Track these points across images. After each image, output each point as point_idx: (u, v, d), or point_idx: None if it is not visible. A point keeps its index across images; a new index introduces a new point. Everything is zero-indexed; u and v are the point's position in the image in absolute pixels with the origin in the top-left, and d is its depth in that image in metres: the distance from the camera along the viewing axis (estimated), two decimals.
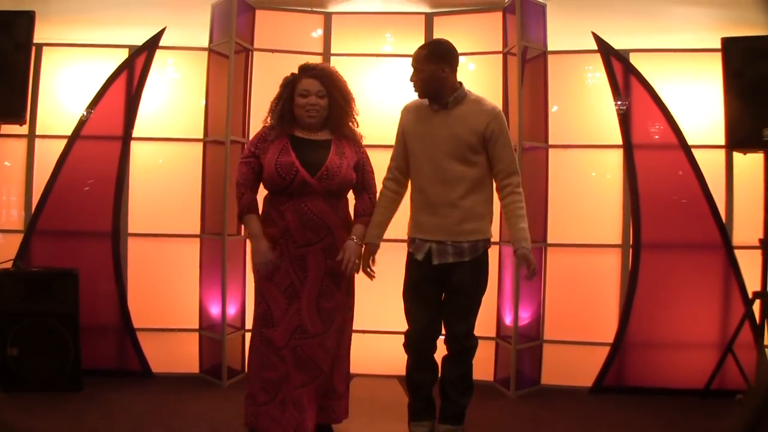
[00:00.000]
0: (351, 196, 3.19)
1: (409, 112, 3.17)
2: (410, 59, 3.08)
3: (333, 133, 3.08)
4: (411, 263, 3.13)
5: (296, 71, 3.09)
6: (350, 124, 3.12)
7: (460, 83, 3.08)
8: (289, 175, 2.93)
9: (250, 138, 3.47)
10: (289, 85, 3.06)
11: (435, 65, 2.99)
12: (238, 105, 4.25)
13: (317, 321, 2.96)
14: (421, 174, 3.07)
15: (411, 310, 3.12)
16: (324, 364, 2.99)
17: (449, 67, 3.02)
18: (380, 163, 3.27)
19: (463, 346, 3.10)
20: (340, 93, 3.05)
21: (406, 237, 3.20)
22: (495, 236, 4.18)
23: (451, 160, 2.99)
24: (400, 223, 3.24)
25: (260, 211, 3.09)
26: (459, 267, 3.01)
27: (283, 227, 2.95)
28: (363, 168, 3.13)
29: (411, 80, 3.07)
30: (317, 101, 3.00)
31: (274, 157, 2.96)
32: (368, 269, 3.14)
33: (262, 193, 3.14)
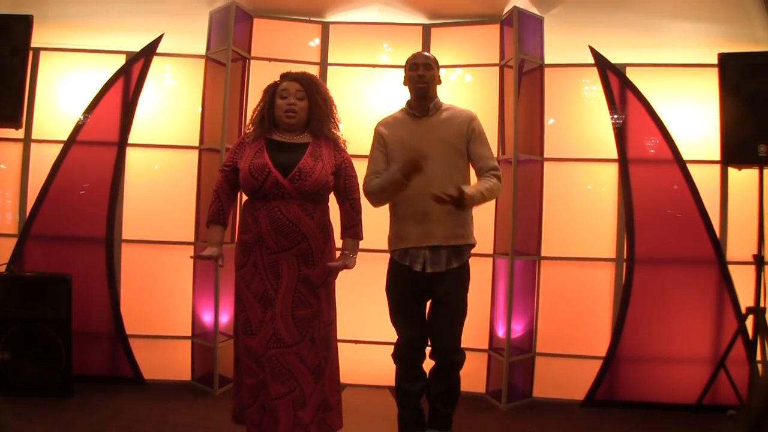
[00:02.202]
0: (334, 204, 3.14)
1: (386, 126, 3.17)
2: (420, 58, 3.12)
3: (313, 137, 3.05)
4: (396, 276, 3.10)
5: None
6: (332, 128, 3.08)
7: None
8: (262, 175, 2.90)
9: None
10: (271, 90, 3.08)
11: (437, 71, 3.15)
12: (234, 113, 4.25)
13: (293, 329, 2.90)
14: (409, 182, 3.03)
15: (399, 324, 3.12)
16: (301, 378, 2.89)
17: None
18: None
19: (451, 360, 3.08)
20: (321, 96, 3.05)
21: (396, 247, 3.12)
22: (488, 248, 4.23)
23: (441, 165, 3.01)
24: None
25: (238, 219, 3.07)
26: (447, 275, 3.01)
27: (257, 233, 2.92)
28: (345, 173, 3.06)
29: (420, 76, 3.07)
30: (296, 101, 3.00)
31: (249, 159, 2.96)
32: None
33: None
